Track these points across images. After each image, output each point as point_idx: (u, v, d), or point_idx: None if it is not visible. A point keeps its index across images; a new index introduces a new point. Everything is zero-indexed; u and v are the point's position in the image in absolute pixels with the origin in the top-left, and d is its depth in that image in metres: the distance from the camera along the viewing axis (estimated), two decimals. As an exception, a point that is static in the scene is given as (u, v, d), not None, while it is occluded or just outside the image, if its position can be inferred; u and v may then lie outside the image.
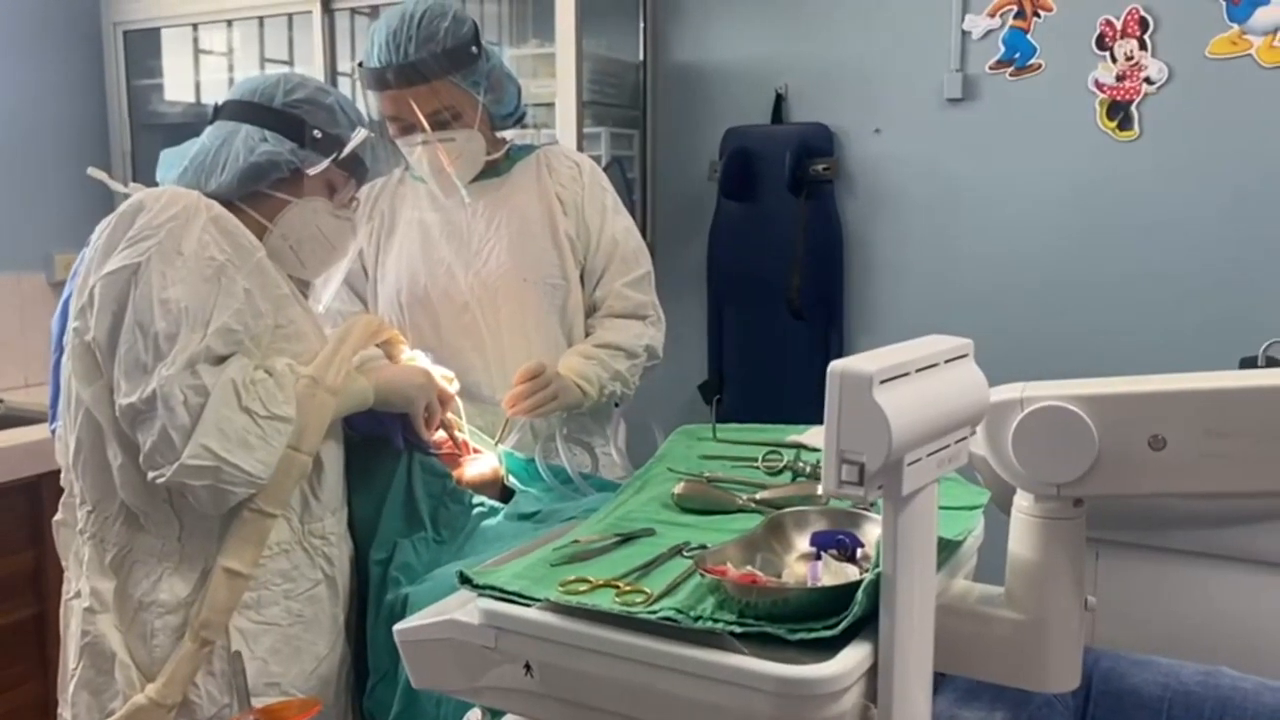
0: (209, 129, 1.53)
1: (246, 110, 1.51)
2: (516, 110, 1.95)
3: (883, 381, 0.78)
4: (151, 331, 1.33)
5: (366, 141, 1.56)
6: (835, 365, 0.79)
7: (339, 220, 1.57)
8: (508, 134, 2.00)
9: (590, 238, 1.94)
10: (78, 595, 1.46)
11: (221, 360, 1.36)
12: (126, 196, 1.45)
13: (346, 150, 1.53)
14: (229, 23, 3.17)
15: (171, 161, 1.53)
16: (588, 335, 1.96)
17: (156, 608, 1.41)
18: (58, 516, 1.52)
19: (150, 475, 1.34)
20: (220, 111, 1.54)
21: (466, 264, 1.91)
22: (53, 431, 1.52)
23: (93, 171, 1.63)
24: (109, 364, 1.36)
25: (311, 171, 1.51)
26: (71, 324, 1.41)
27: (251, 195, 1.49)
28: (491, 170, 1.94)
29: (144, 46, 3.30)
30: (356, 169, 1.58)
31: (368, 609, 1.54)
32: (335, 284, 1.68)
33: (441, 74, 1.78)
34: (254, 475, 1.36)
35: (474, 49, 1.81)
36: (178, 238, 1.36)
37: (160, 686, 1.39)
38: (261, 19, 3.11)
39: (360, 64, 1.85)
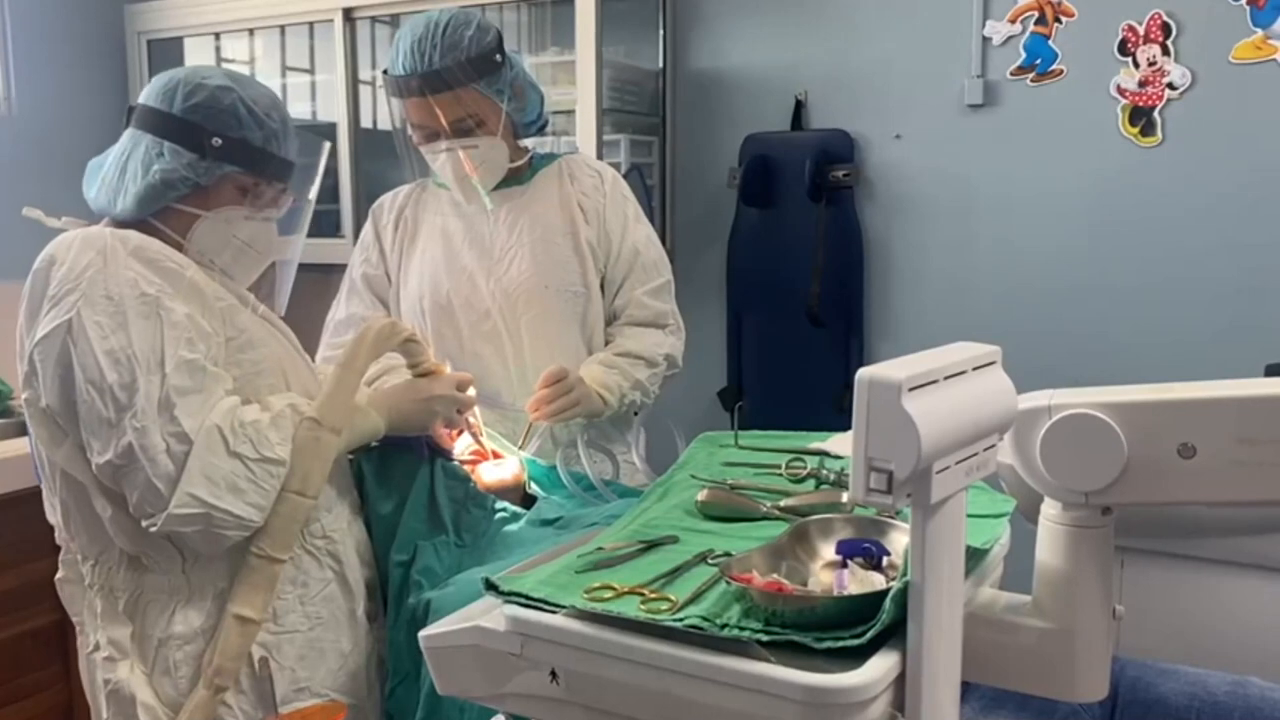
0: (123, 135, 1.45)
1: (148, 117, 1.43)
2: (539, 118, 1.95)
3: (911, 389, 0.78)
4: (106, 386, 1.28)
5: (275, 137, 1.45)
6: (863, 373, 0.79)
7: (257, 223, 1.47)
8: (529, 142, 2.00)
9: (611, 246, 1.95)
10: (96, 648, 1.44)
11: (193, 394, 1.31)
12: (62, 230, 1.40)
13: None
14: (251, 31, 3.19)
15: (93, 172, 1.46)
16: (608, 344, 1.97)
17: (175, 640, 1.40)
18: (59, 575, 1.49)
19: (144, 524, 1.31)
20: (130, 116, 1.46)
21: (488, 271, 1.92)
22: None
23: (28, 211, 1.53)
24: (71, 426, 1.32)
25: (212, 184, 1.42)
26: (22, 393, 1.36)
27: (162, 211, 1.42)
28: (514, 178, 1.95)
29: (167, 56, 3.32)
30: (267, 169, 1.46)
31: (388, 610, 1.54)
32: (288, 282, 1.61)
33: (465, 82, 1.79)
34: (245, 519, 1.33)
35: (498, 57, 1.82)
36: (102, 283, 1.30)
37: None
38: (283, 27, 3.14)
39: (385, 71, 1.86)
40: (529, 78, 1.92)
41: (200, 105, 1.41)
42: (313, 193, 1.60)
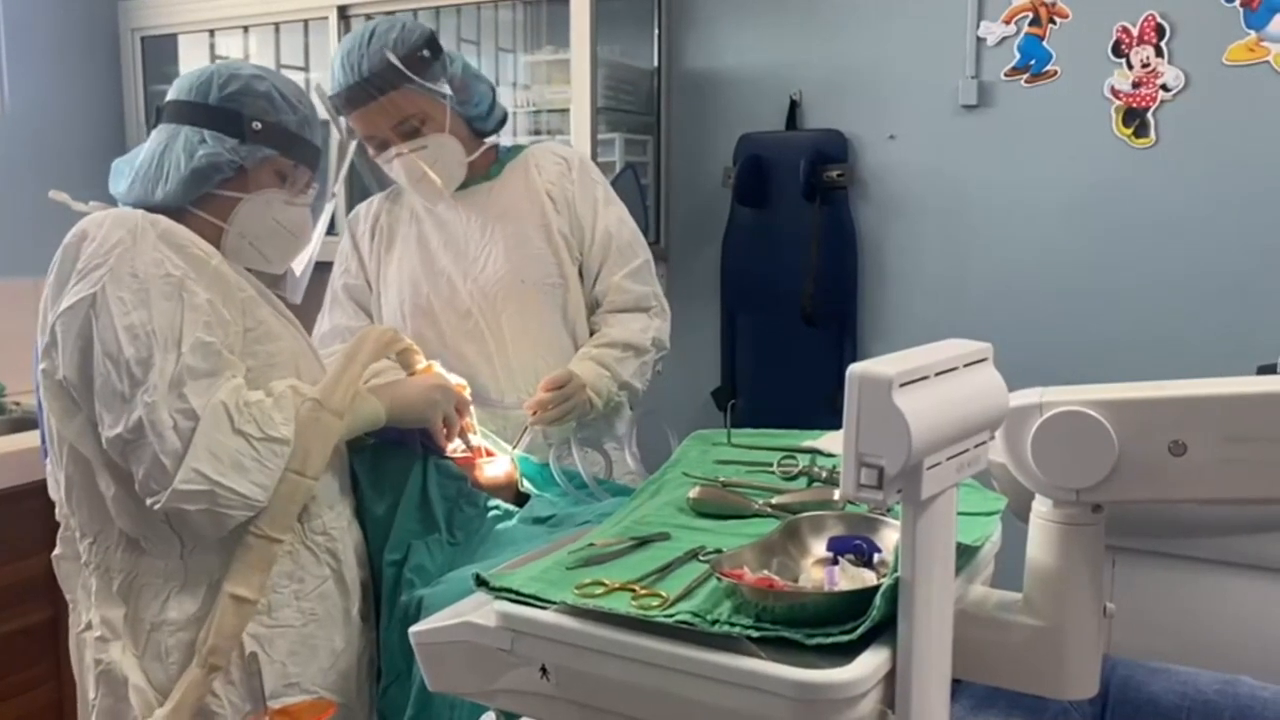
0: (154, 132, 1.50)
1: (184, 110, 1.47)
2: (493, 110, 1.95)
3: (902, 385, 0.78)
4: (123, 360, 1.30)
5: (307, 122, 1.51)
6: (854, 368, 0.79)
7: (295, 208, 1.53)
8: (504, 140, 2.00)
9: (584, 232, 1.94)
10: (89, 627, 1.44)
11: (205, 376, 1.33)
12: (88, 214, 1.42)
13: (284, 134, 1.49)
14: (245, 29, 3.18)
15: (122, 170, 1.50)
16: (592, 333, 1.96)
17: (168, 626, 1.40)
18: (56, 551, 1.50)
19: (148, 502, 1.32)
20: (161, 113, 1.50)
21: (465, 272, 1.92)
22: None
23: (54, 194, 1.57)
24: (86, 399, 1.34)
25: (254, 167, 1.47)
26: (39, 365, 1.38)
27: (202, 198, 1.46)
28: (481, 175, 1.95)
29: (161, 53, 3.32)
30: (303, 153, 1.52)
31: (381, 610, 1.54)
32: (308, 270, 1.65)
33: (398, 82, 1.79)
34: (250, 498, 1.34)
35: (425, 53, 1.81)
36: (129, 261, 1.33)
37: (167, 713, 1.37)
38: (277, 25, 3.13)
39: (324, 91, 1.86)
40: (474, 70, 1.92)
41: (237, 94, 1.47)
42: (339, 186, 1.65)
